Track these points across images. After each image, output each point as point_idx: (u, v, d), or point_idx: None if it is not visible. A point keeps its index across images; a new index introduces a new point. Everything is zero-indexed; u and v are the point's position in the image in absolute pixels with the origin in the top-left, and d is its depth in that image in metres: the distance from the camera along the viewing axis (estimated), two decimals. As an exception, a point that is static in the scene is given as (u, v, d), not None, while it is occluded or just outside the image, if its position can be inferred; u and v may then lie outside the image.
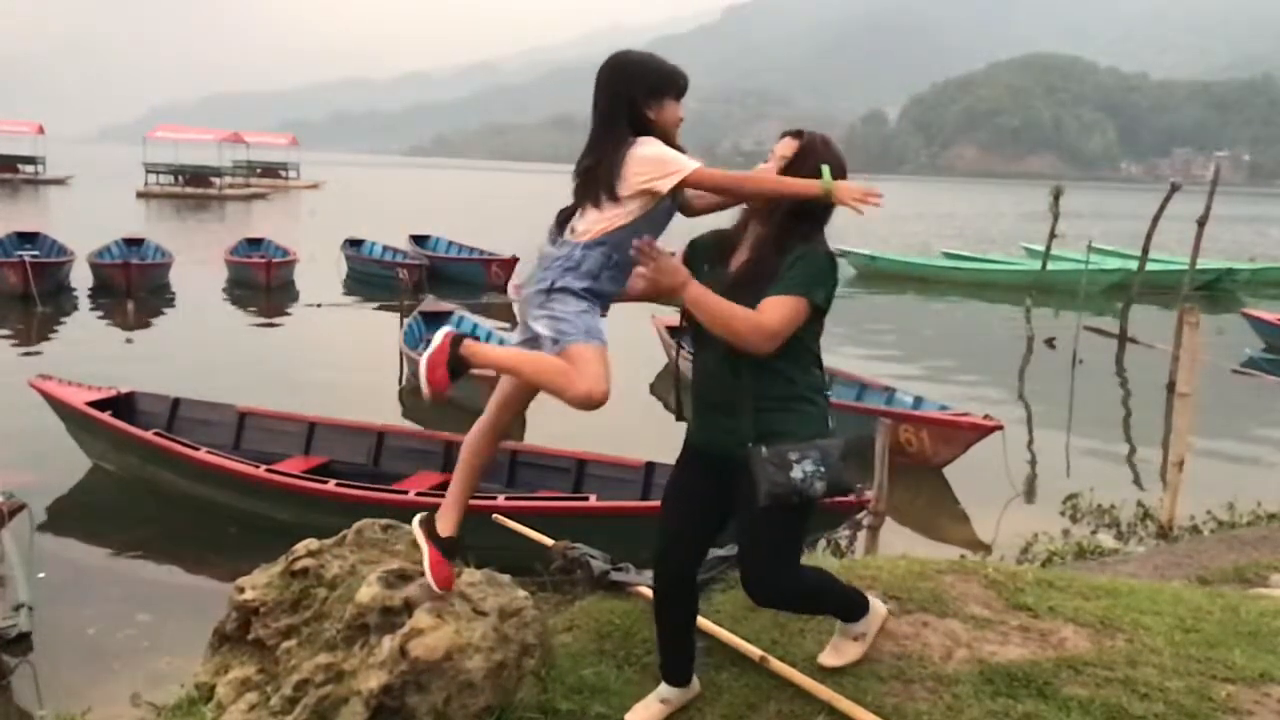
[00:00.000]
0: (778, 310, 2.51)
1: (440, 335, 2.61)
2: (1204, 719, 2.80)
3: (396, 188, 71.83)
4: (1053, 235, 18.11)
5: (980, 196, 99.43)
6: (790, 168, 2.62)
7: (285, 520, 6.16)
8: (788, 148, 2.66)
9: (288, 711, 2.75)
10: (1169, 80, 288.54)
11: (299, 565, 3.11)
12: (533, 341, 2.63)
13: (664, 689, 2.88)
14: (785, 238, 2.59)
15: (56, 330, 14.47)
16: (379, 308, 16.51)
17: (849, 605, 3.02)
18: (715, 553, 3.65)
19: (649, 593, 3.56)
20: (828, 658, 3.02)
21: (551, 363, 2.55)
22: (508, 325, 15.56)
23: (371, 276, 20.01)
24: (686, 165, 2.55)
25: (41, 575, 5.66)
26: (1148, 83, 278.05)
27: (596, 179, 2.59)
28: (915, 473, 8.20)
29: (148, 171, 49.44)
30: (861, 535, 6.29)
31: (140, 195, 45.48)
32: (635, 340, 13.89)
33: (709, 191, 2.66)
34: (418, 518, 2.92)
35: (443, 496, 6.65)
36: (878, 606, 3.11)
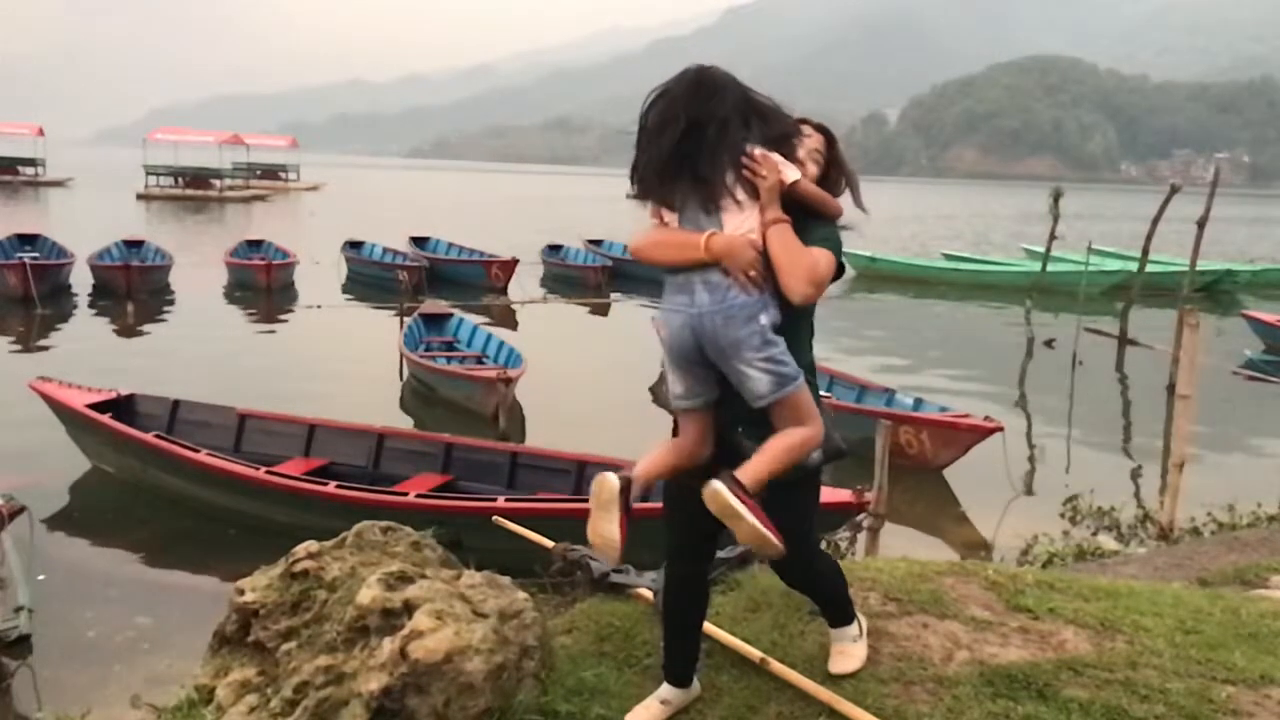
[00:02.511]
0: (824, 260, 2.56)
1: (747, 509, 2.41)
2: (1204, 721, 2.80)
3: (396, 189, 71.87)
4: (1052, 237, 18.09)
5: (980, 198, 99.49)
6: (826, 162, 2.71)
7: (285, 522, 6.16)
8: (817, 141, 2.71)
9: (288, 713, 2.74)
10: (1169, 82, 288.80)
11: (299, 567, 3.11)
12: (700, 394, 2.55)
13: (665, 690, 2.88)
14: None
15: (56, 332, 14.47)
16: (379, 309, 16.53)
17: (849, 603, 3.04)
18: (716, 554, 3.65)
19: (649, 595, 3.57)
20: (838, 665, 3.00)
21: (796, 439, 2.52)
22: (506, 325, 15.60)
23: (371, 278, 20.03)
24: (795, 171, 2.58)
25: (41, 577, 5.66)
26: (1148, 84, 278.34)
27: (720, 186, 2.50)
28: (915, 474, 8.20)
29: (148, 173, 49.48)
30: (861, 537, 6.28)
31: (140, 197, 45.53)
32: (634, 342, 13.90)
33: (799, 200, 2.60)
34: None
35: (442, 498, 6.66)
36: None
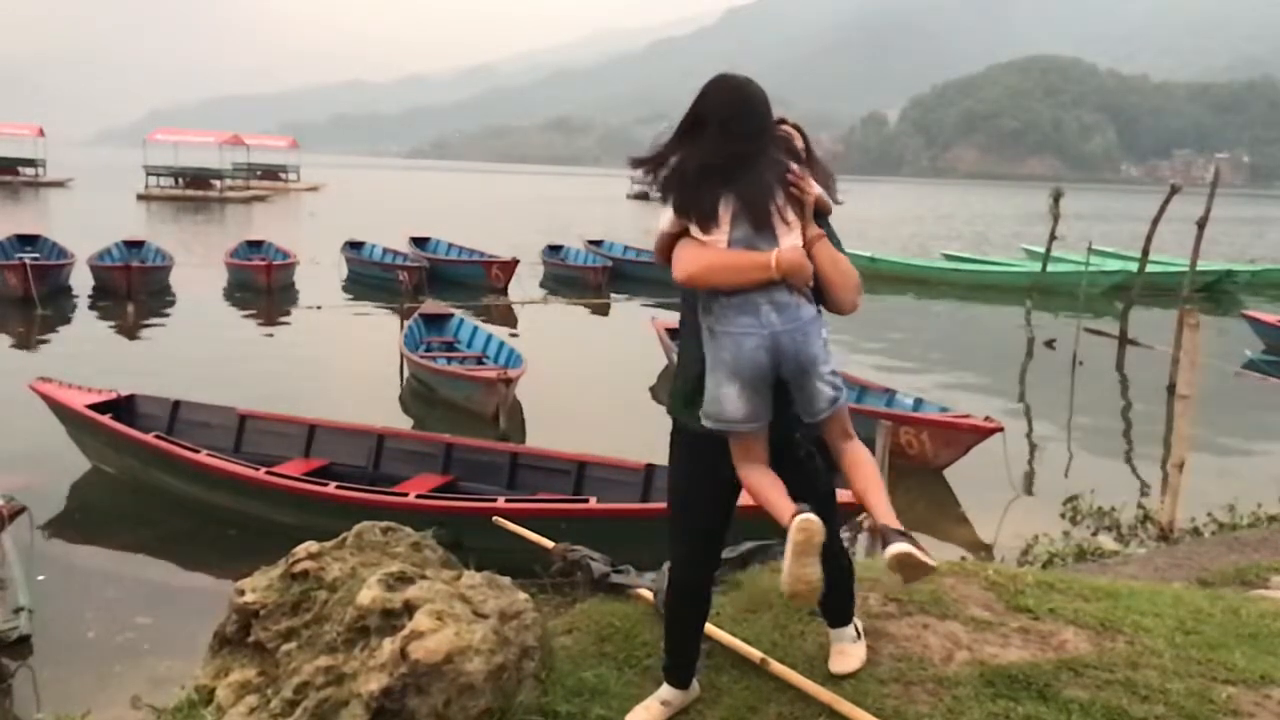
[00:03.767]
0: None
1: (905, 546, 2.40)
2: (1205, 721, 2.80)
3: (396, 190, 71.88)
4: (1053, 237, 18.10)
5: (980, 198, 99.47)
6: (807, 157, 2.72)
7: (285, 523, 6.16)
8: (799, 140, 2.73)
9: (288, 714, 2.74)
10: (1169, 82, 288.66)
11: (299, 568, 3.11)
12: (765, 414, 2.52)
13: (666, 691, 2.88)
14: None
15: (57, 333, 14.47)
16: (379, 310, 16.52)
17: (853, 603, 3.07)
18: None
19: (649, 595, 3.57)
20: (838, 664, 3.01)
21: (871, 457, 2.67)
22: (507, 326, 15.61)
23: (372, 279, 20.03)
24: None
25: (41, 578, 5.66)
26: (1148, 84, 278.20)
27: (773, 206, 2.51)
28: (916, 474, 8.20)
29: (148, 174, 49.50)
30: (862, 537, 6.29)
31: (140, 198, 45.55)
32: (634, 343, 13.91)
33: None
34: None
35: (443, 499, 6.67)
36: None
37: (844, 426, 2.61)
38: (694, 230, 2.52)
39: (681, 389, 2.69)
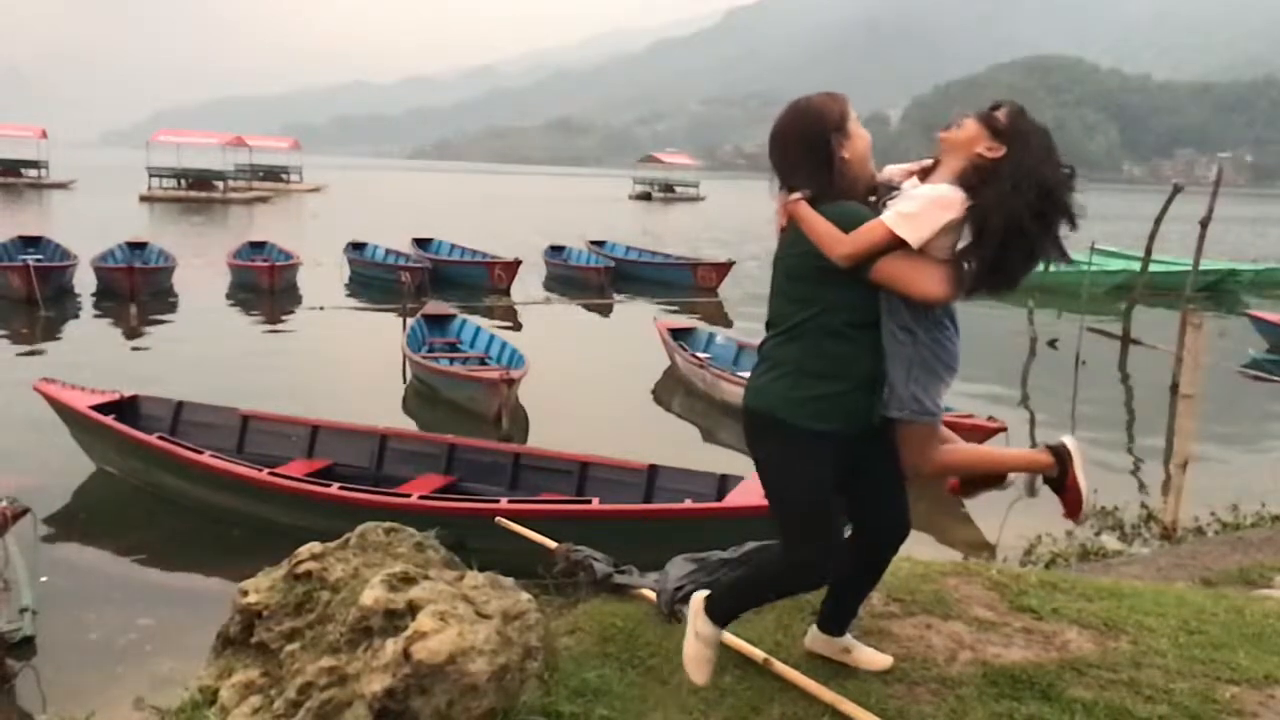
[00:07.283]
0: None
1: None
2: (1208, 721, 2.79)
3: (399, 191, 71.90)
4: (1055, 237, 18.11)
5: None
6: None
7: (288, 523, 6.16)
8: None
9: (291, 715, 2.75)
10: (1171, 81, 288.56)
11: (302, 569, 3.11)
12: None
13: (711, 630, 2.88)
14: None
15: (60, 334, 14.49)
16: (381, 310, 16.53)
17: None
18: (718, 555, 3.64)
19: (652, 595, 3.57)
20: (877, 660, 3.06)
21: None
22: (509, 326, 15.62)
23: (374, 279, 20.04)
24: None
25: (45, 579, 5.66)
26: (1150, 84, 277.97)
27: None
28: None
29: (151, 175, 49.53)
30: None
31: (143, 199, 45.58)
32: (636, 344, 13.91)
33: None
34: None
35: (445, 499, 6.66)
36: None
37: None
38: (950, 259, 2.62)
39: (808, 392, 2.62)
